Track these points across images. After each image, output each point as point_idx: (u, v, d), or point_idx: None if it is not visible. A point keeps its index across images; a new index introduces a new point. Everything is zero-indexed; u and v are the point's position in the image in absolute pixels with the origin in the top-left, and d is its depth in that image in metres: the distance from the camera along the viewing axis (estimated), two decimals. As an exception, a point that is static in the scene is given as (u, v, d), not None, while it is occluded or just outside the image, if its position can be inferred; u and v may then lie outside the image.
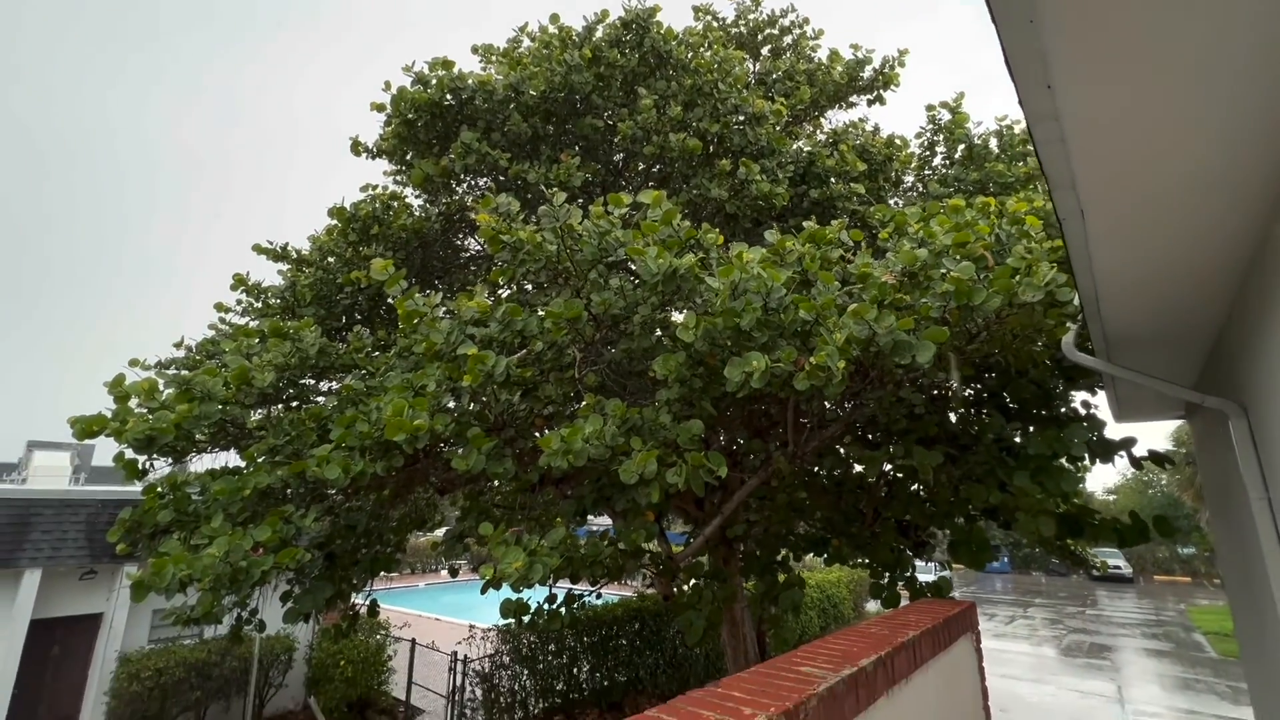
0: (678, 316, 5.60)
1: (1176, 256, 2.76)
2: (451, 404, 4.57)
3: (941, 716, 2.50)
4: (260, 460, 5.00)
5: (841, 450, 5.83)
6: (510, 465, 4.16)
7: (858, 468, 6.62)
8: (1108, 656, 15.70)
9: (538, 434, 5.27)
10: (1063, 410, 5.10)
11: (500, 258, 4.42)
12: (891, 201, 7.53)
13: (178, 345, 7.69)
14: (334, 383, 6.99)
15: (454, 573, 6.05)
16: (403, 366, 5.60)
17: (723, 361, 3.86)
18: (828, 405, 5.19)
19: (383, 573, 5.88)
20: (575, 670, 10.54)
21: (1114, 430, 7.97)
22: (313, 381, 6.76)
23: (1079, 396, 5.41)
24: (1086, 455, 4.41)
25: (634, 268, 4.33)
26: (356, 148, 7.65)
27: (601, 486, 5.36)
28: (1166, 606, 24.11)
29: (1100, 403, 5.65)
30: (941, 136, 7.89)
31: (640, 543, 4.32)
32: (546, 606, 4.73)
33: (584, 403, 4.40)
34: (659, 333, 5.17)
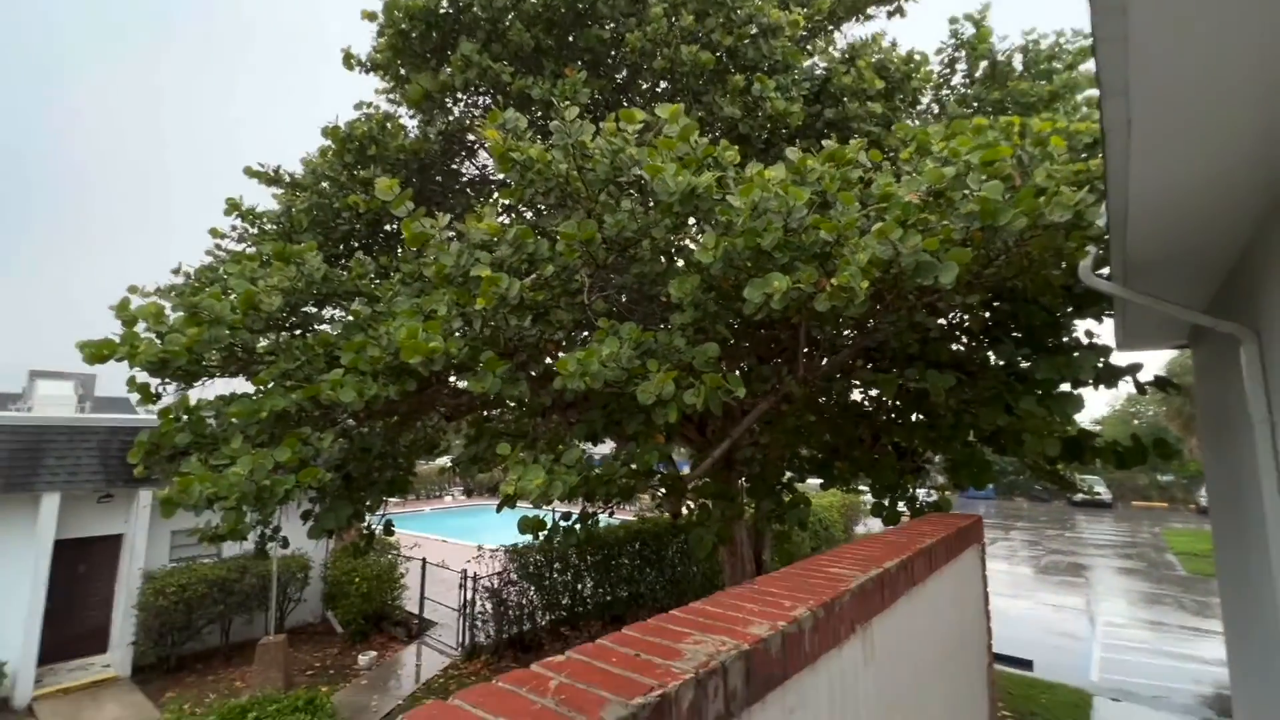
0: (690, 244, 5.51)
1: (1213, 175, 2.69)
2: (458, 331, 4.56)
3: (952, 616, 2.66)
4: (271, 385, 5.03)
5: (852, 376, 5.89)
6: (524, 388, 4.20)
7: (856, 395, 6.74)
8: (1083, 574, 16.60)
9: (549, 360, 5.29)
10: (1065, 340, 5.15)
11: (509, 177, 4.28)
12: (908, 123, 7.26)
13: (175, 272, 7.57)
14: (337, 310, 6.94)
15: (469, 493, 6.21)
16: (409, 292, 5.54)
17: (736, 285, 3.83)
18: (839, 332, 5.20)
19: (397, 494, 6.06)
20: (579, 587, 11.10)
21: (1115, 358, 8.05)
22: (315, 309, 6.71)
23: (1082, 325, 5.44)
24: (1093, 380, 4.48)
25: (646, 188, 4.21)
26: (349, 60, 7.24)
27: (611, 411, 5.44)
28: (1142, 530, 25.28)
29: (1103, 331, 5.69)
30: (963, 52, 7.51)
31: (652, 464, 4.43)
32: (563, 524, 4.92)
33: (594, 330, 4.39)
34: (667, 258, 5.09)
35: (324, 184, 7.67)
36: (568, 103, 4.19)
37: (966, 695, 2.93)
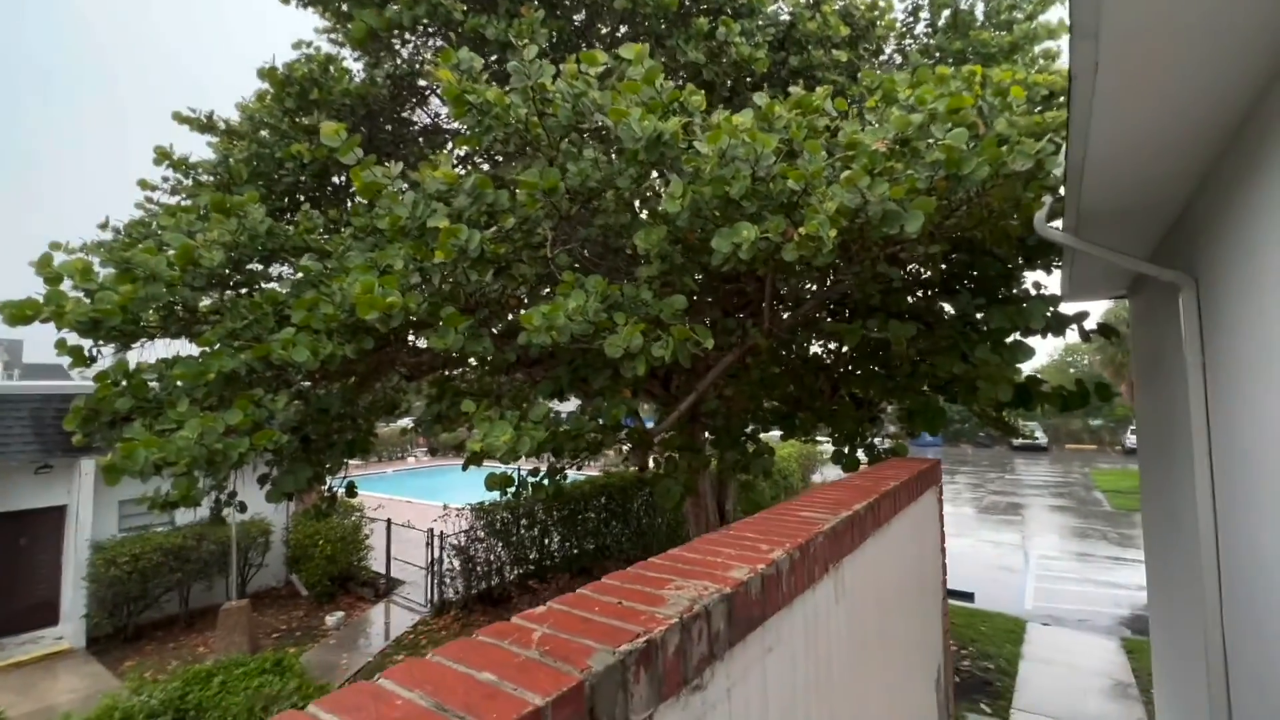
0: (656, 193, 5.39)
1: (1169, 123, 2.74)
2: (417, 287, 4.38)
3: (913, 554, 2.80)
4: (218, 346, 4.78)
5: (815, 328, 5.97)
6: (488, 344, 4.10)
7: (816, 348, 6.87)
8: (1019, 513, 17.74)
9: (511, 316, 5.17)
10: (1015, 290, 5.33)
11: (465, 122, 4.06)
12: (874, 71, 7.19)
13: (103, 227, 7.02)
14: (284, 267, 6.59)
15: (433, 452, 6.13)
16: (361, 247, 5.28)
17: (701, 238, 3.78)
18: (804, 285, 5.24)
19: (358, 456, 5.93)
20: (546, 541, 11.26)
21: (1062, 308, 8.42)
22: (261, 266, 6.35)
23: (1030, 277, 5.64)
24: (1042, 329, 4.66)
25: (611, 136, 4.06)
26: (283, -8, 6.67)
27: (577, 367, 5.39)
28: (1073, 470, 27.04)
29: (1050, 282, 5.90)
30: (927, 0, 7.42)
31: (620, 418, 4.43)
32: (531, 479, 4.92)
33: (558, 284, 4.29)
34: (634, 209, 4.98)
35: (263, 132, 7.16)
36: (526, 41, 3.96)
37: (925, 626, 3.11)
